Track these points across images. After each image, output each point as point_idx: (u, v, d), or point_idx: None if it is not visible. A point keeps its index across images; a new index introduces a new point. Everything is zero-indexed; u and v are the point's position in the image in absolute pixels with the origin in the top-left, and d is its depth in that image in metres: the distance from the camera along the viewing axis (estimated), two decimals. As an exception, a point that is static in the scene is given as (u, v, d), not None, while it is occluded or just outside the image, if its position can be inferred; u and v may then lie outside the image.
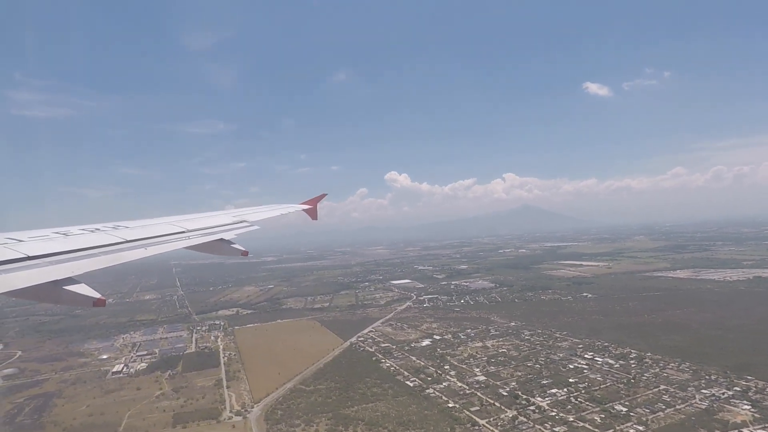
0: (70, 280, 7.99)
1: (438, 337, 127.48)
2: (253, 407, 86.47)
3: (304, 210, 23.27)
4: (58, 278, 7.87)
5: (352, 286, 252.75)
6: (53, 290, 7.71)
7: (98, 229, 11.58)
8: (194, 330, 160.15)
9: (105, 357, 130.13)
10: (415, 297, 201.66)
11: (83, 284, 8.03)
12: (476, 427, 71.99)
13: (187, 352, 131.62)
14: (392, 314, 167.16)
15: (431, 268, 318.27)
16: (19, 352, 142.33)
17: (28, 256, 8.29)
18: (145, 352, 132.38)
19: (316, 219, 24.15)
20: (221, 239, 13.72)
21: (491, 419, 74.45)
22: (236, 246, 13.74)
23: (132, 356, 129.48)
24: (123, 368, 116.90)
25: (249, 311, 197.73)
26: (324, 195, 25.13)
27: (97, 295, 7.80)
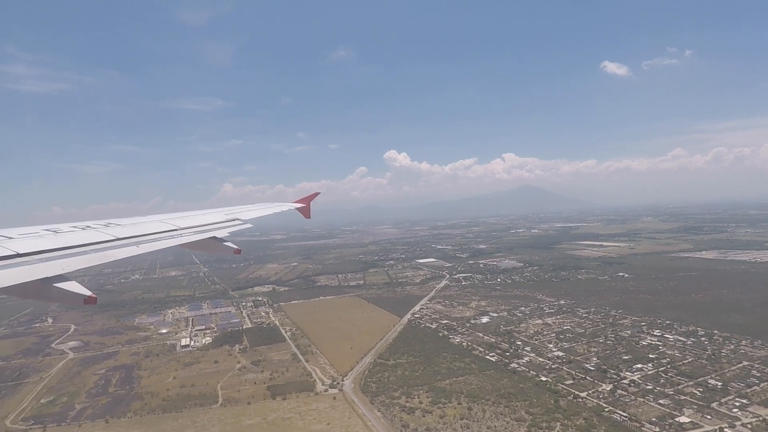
0: (61, 278, 7.83)
1: (495, 315, 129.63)
2: (343, 380, 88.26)
3: (297, 209, 23.50)
4: (48, 276, 7.71)
5: (377, 264, 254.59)
6: (43, 288, 7.54)
7: (89, 227, 11.45)
8: (241, 306, 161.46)
9: (165, 331, 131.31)
10: (448, 275, 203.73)
11: (74, 282, 7.87)
12: (579, 400, 74.31)
13: (245, 327, 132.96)
14: (434, 292, 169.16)
15: (450, 247, 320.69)
16: (73, 326, 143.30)
17: (18, 254, 8.14)
18: (203, 327, 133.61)
19: (309, 218, 24.53)
20: (213, 237, 13.64)
21: (590, 392, 76.76)
22: (228, 244, 13.65)
23: (193, 331, 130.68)
24: (191, 342, 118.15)
25: (285, 288, 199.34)
26: (317, 194, 25.67)
27: (88, 293, 7.62)
